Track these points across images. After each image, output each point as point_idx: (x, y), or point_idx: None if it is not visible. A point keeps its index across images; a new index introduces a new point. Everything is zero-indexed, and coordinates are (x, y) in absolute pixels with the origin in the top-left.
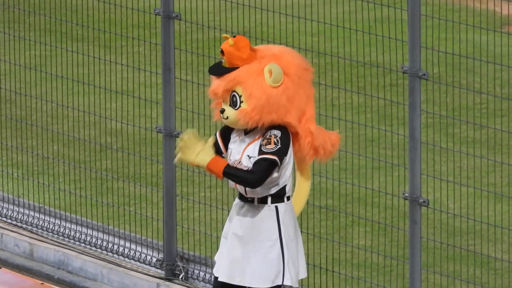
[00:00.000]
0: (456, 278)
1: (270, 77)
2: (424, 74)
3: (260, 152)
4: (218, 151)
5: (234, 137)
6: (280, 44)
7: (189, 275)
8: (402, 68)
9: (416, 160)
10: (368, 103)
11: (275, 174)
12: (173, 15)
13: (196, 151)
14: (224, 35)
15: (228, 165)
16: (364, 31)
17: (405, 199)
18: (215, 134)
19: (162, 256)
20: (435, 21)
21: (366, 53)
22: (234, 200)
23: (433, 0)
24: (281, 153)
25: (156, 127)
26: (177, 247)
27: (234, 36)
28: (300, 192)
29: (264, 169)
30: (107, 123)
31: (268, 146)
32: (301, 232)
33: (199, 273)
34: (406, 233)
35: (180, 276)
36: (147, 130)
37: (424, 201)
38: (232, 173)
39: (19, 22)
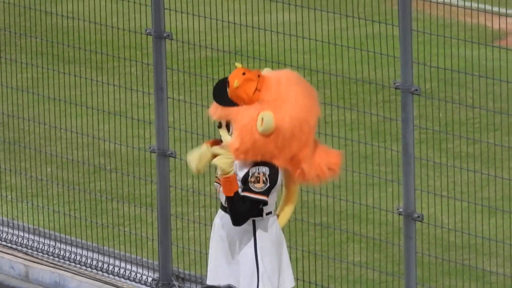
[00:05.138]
0: None
1: (261, 126)
2: (417, 90)
3: (249, 189)
4: None
5: None
6: (272, 62)
7: None
8: (394, 84)
9: (410, 175)
10: (361, 120)
11: None
12: (164, 34)
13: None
14: (237, 63)
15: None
16: (355, 48)
17: (399, 214)
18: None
19: (158, 276)
20: (426, 37)
21: (358, 70)
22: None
23: (424, 16)
24: (270, 189)
25: (150, 147)
26: (172, 267)
27: (244, 74)
28: (283, 211)
29: (251, 208)
30: (100, 144)
31: (257, 185)
32: (296, 249)
33: None
34: (401, 249)
35: None
36: (140, 150)
37: (418, 216)
38: (236, 199)
39: (10, 45)
